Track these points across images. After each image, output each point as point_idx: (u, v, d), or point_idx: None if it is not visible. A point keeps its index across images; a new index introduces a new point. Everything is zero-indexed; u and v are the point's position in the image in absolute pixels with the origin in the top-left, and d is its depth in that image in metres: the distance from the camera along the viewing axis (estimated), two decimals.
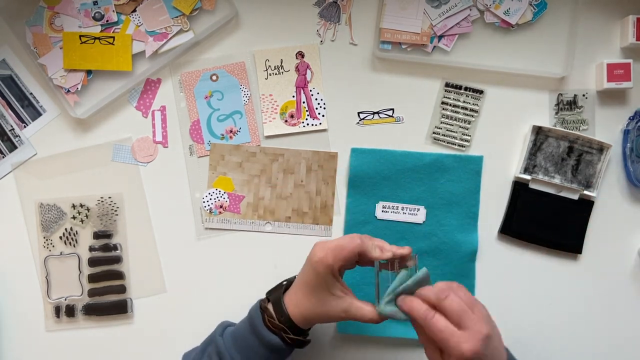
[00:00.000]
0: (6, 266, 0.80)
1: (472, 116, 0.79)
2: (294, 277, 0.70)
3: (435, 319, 0.58)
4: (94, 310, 0.79)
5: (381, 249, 0.65)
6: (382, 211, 0.79)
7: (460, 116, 0.80)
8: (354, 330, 0.79)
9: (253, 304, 0.71)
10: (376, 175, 0.79)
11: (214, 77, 0.81)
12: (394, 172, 0.79)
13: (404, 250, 0.66)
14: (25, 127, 0.81)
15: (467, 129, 0.79)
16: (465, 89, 0.80)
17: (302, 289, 0.66)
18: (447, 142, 0.80)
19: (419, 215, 0.79)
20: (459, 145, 0.80)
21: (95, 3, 0.78)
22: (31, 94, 0.81)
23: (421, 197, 0.79)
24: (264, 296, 0.71)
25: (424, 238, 0.79)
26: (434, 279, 0.78)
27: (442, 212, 0.79)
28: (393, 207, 0.79)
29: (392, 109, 0.81)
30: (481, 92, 0.79)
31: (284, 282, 0.71)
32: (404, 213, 0.79)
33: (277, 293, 0.69)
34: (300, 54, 0.81)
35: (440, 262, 0.79)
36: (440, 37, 0.79)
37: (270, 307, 0.68)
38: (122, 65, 0.79)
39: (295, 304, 0.66)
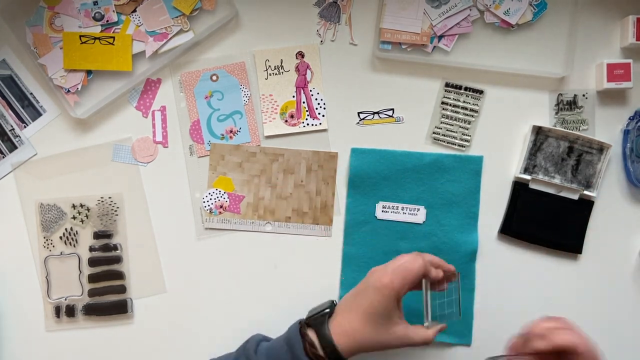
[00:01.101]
0: (6, 266, 0.80)
1: (472, 116, 0.79)
2: (332, 302, 0.68)
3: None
4: (94, 310, 0.79)
5: (435, 265, 0.65)
6: (382, 211, 0.79)
7: (460, 116, 0.80)
8: None
9: (291, 324, 0.67)
10: (376, 175, 0.79)
11: (214, 77, 0.81)
12: (394, 172, 0.79)
13: (451, 267, 0.66)
14: (25, 127, 0.81)
15: (467, 129, 0.79)
16: (465, 89, 0.80)
17: (361, 317, 0.62)
18: (447, 142, 0.80)
19: (419, 215, 0.79)
20: (459, 145, 0.80)
21: (95, 3, 0.78)
22: (31, 94, 0.81)
23: (421, 197, 0.79)
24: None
25: (424, 238, 0.79)
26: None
27: (442, 212, 0.79)
28: (393, 207, 0.79)
29: (392, 109, 0.81)
30: (481, 92, 0.79)
31: (326, 310, 0.66)
32: (404, 213, 0.79)
33: (320, 320, 0.65)
34: (300, 54, 0.81)
35: None
36: (440, 37, 0.79)
37: (311, 334, 0.64)
38: (122, 66, 0.79)
39: (346, 332, 0.62)
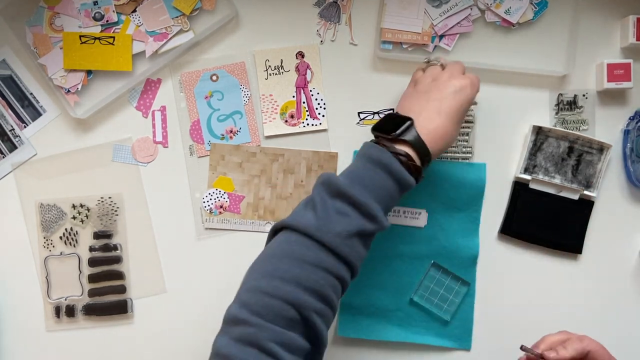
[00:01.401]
0: (6, 266, 0.80)
1: (469, 127, 0.79)
2: (395, 113, 0.69)
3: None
4: (94, 310, 0.79)
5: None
6: None
7: None
8: (354, 334, 0.79)
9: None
10: None
11: (214, 77, 0.81)
12: None
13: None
14: (25, 127, 0.81)
15: (467, 141, 0.79)
16: None
17: (445, 118, 0.65)
18: (451, 158, 0.79)
19: (420, 219, 0.79)
20: (462, 158, 0.79)
21: (95, 3, 0.78)
22: (31, 94, 0.81)
23: (423, 201, 0.79)
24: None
25: (426, 242, 0.79)
26: (435, 283, 0.79)
27: (443, 216, 0.79)
28: (394, 210, 0.79)
29: (392, 109, 0.81)
30: (474, 102, 0.79)
31: (409, 122, 0.64)
32: (405, 216, 0.79)
33: (410, 133, 0.64)
34: (300, 54, 0.81)
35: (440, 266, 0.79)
36: (441, 36, 0.79)
37: (407, 149, 0.63)
38: (122, 66, 0.79)
39: (435, 135, 0.64)
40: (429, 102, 0.66)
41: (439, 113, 0.65)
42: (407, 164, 0.63)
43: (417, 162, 0.64)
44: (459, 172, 0.79)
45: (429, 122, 0.65)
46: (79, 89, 0.79)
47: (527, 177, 0.79)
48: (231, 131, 0.81)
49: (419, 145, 0.64)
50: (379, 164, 0.62)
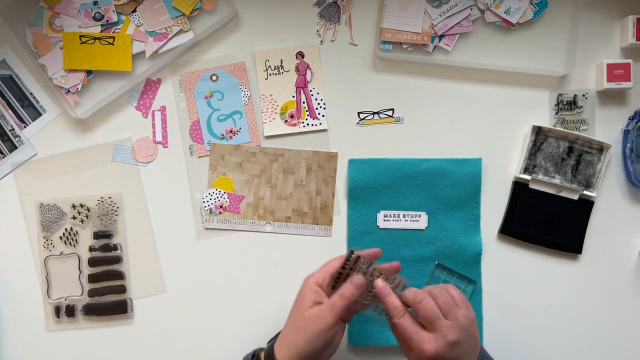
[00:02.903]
0: (6, 266, 0.80)
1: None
2: None
3: (403, 318, 0.62)
4: (94, 310, 0.79)
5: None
6: (384, 220, 0.79)
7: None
8: (364, 342, 0.79)
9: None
10: (375, 185, 0.79)
11: (214, 77, 0.81)
12: (393, 180, 0.79)
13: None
14: (25, 127, 0.81)
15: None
16: None
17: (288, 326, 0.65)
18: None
19: (420, 221, 0.79)
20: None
21: (95, 3, 0.78)
22: (31, 94, 0.81)
23: (422, 203, 0.79)
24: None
25: (428, 244, 0.79)
26: (440, 282, 0.79)
27: (443, 216, 0.79)
28: (394, 215, 0.79)
29: (392, 109, 0.81)
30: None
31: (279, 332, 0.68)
32: (405, 220, 0.79)
33: (272, 340, 0.67)
34: (300, 54, 0.81)
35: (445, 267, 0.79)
36: (441, 36, 0.79)
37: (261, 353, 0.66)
38: (122, 66, 0.79)
39: (286, 346, 0.64)
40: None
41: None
42: None
43: None
44: (455, 169, 0.79)
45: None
46: (79, 89, 0.79)
47: (527, 177, 0.79)
48: (231, 131, 0.81)
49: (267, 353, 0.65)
50: None
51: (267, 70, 0.81)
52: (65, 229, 0.80)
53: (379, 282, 0.64)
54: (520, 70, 0.79)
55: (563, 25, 0.80)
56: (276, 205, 0.81)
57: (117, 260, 0.80)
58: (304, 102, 0.81)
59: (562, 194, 0.79)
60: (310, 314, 0.62)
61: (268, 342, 0.69)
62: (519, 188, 0.79)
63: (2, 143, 0.81)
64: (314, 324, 0.61)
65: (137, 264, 0.80)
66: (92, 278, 0.80)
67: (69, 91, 0.79)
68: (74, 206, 0.80)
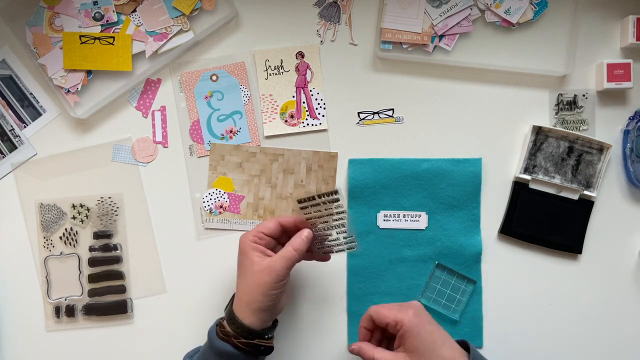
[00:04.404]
0: (6, 266, 0.80)
1: (342, 217, 0.73)
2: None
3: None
4: (94, 310, 0.79)
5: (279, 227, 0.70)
6: (384, 220, 0.79)
7: None
8: None
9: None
10: (375, 185, 0.79)
11: (214, 77, 0.81)
12: (393, 180, 0.79)
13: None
14: (25, 127, 0.81)
15: (345, 232, 0.72)
16: None
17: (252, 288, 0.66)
18: (336, 251, 0.72)
19: (420, 221, 0.79)
20: (348, 249, 0.73)
21: (95, 3, 0.78)
22: (31, 94, 0.81)
23: (422, 203, 0.79)
24: None
25: (428, 244, 0.79)
26: (441, 284, 0.79)
27: (444, 216, 0.79)
28: (394, 215, 0.79)
29: (392, 109, 0.81)
30: (335, 192, 0.69)
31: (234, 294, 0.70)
32: (405, 220, 0.79)
33: (228, 306, 0.69)
34: (300, 54, 0.81)
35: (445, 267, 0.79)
36: (441, 36, 0.79)
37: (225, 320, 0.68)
38: (122, 66, 0.79)
39: (245, 304, 0.66)
40: None
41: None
42: (222, 332, 0.67)
43: (228, 328, 0.66)
44: (455, 169, 0.79)
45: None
46: (79, 89, 0.79)
47: (527, 177, 0.79)
48: (231, 131, 0.81)
49: (228, 315, 0.67)
50: (208, 337, 0.69)
51: (267, 70, 0.81)
52: (65, 229, 0.80)
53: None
54: (520, 70, 0.79)
55: (563, 25, 0.80)
56: (276, 205, 0.81)
57: (117, 260, 0.80)
58: (304, 102, 0.81)
59: (562, 194, 0.79)
60: (262, 268, 0.65)
61: (225, 310, 0.70)
62: (519, 188, 0.79)
63: (2, 143, 0.81)
64: (268, 276, 0.64)
65: (137, 264, 0.80)
66: (92, 278, 0.80)
67: (69, 91, 0.79)
68: (74, 206, 0.80)
